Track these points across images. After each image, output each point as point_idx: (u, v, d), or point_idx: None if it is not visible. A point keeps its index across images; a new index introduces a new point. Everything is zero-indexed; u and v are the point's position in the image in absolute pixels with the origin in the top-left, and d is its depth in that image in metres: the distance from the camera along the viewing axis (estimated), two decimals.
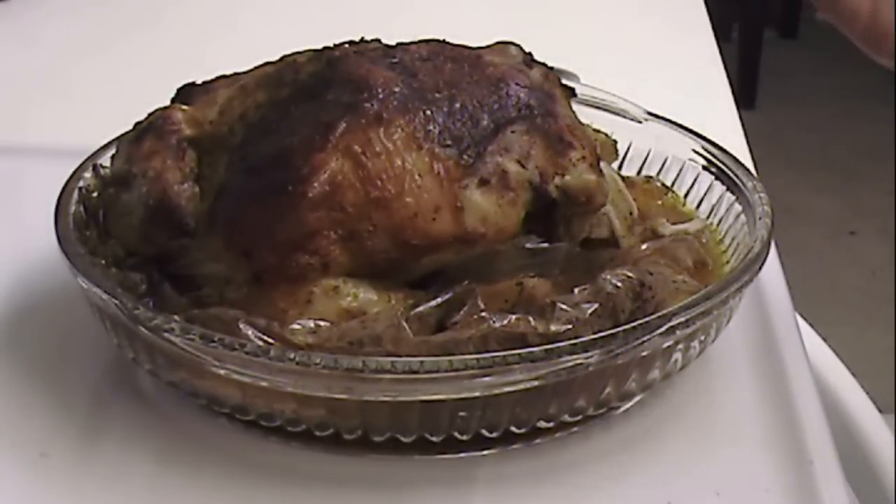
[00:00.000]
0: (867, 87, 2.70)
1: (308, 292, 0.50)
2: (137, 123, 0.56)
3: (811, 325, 0.76)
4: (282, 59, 0.57)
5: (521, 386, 0.47)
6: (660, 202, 0.63)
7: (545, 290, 0.51)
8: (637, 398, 0.53)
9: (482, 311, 0.49)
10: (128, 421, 0.52)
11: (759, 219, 0.56)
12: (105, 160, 0.58)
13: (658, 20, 1.02)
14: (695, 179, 0.62)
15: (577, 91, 0.59)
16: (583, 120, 0.56)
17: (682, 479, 0.50)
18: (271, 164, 0.51)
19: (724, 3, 2.34)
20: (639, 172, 0.65)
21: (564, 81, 0.58)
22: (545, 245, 0.52)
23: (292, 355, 0.46)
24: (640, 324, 0.48)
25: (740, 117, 0.82)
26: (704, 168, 0.62)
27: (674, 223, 0.60)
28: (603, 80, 0.68)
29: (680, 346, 0.50)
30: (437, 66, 0.54)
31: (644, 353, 0.49)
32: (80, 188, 0.57)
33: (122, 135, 0.57)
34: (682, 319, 0.49)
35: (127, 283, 0.51)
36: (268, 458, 0.50)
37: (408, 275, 0.51)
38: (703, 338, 0.52)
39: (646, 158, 0.65)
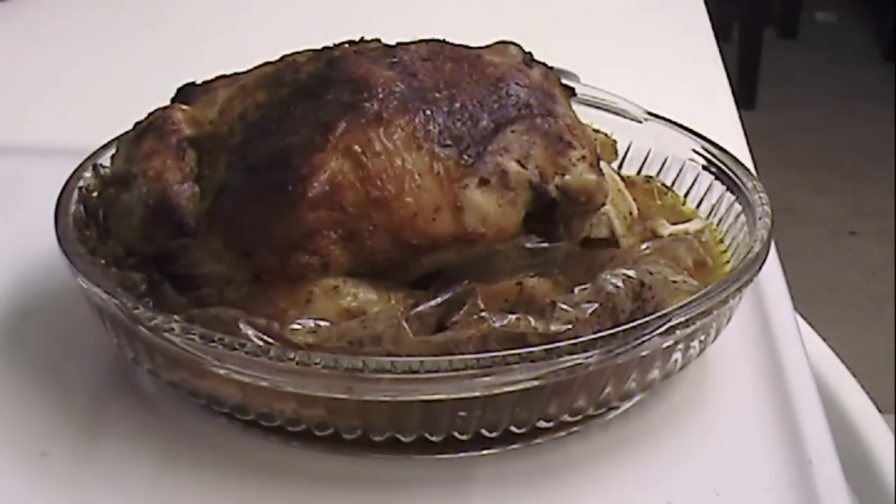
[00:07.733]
0: (867, 87, 2.70)
1: (308, 292, 0.50)
2: (137, 123, 0.56)
3: (811, 325, 0.76)
4: (282, 59, 0.57)
5: (521, 386, 0.47)
6: (660, 202, 0.63)
7: (545, 290, 0.51)
8: (637, 398, 0.53)
9: (482, 310, 0.49)
10: (128, 421, 0.52)
11: (759, 219, 0.56)
12: (105, 160, 0.58)
13: (658, 20, 1.02)
14: (695, 179, 0.62)
15: (577, 91, 0.59)
16: (583, 120, 0.56)
17: (682, 479, 0.50)
18: (271, 164, 0.51)
19: (724, 3, 2.34)
20: (639, 172, 0.65)
21: (564, 81, 0.57)
22: (545, 245, 0.52)
23: (292, 355, 0.46)
24: (640, 324, 0.48)
25: (740, 117, 0.82)
26: (704, 168, 0.62)
27: (674, 223, 0.60)
28: (603, 80, 0.68)
29: (680, 346, 0.50)
30: (437, 66, 0.54)
31: (644, 353, 0.49)
32: (80, 188, 0.57)
33: (122, 135, 0.57)
34: (682, 319, 0.49)
35: (127, 283, 0.51)
36: (268, 458, 0.50)
37: (408, 275, 0.51)
38: (703, 338, 0.52)
39: (646, 158, 0.65)
